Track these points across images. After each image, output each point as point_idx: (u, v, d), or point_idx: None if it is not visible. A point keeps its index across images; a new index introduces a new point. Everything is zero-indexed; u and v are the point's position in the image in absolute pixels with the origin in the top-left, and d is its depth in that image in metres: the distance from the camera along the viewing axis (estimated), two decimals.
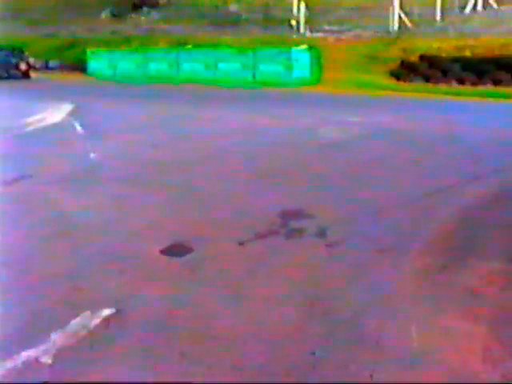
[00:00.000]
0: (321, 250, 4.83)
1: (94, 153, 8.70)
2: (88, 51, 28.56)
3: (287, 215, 5.69)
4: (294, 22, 28.33)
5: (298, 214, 5.72)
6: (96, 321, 3.66)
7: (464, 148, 9.04)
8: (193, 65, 25.12)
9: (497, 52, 20.53)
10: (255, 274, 4.42)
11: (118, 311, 3.79)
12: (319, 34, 27.38)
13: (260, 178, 7.31)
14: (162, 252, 4.90)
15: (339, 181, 7.16)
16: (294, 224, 5.45)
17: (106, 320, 3.66)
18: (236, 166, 8.12)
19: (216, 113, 13.88)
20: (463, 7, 26.50)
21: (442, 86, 20.08)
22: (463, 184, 6.73)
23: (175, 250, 5.00)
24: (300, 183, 6.99)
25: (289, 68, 23.17)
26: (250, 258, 4.76)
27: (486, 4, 26.78)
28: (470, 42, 21.74)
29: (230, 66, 24.29)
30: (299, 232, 5.25)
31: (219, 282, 4.27)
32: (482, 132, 10.75)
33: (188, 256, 4.82)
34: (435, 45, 22.31)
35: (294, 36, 27.41)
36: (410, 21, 25.84)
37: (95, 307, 3.79)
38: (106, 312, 3.76)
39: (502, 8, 26.59)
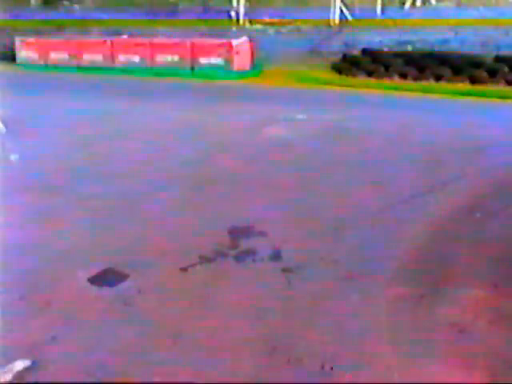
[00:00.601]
0: (277, 277, 4.16)
1: (14, 155, 7.71)
2: (17, 39, 26.81)
3: (236, 233, 4.99)
4: (233, 14, 27.54)
5: (248, 231, 5.02)
6: (6, 377, 2.89)
7: (419, 148, 8.54)
8: (128, 55, 23.95)
9: (437, 47, 20.42)
10: (200, 308, 3.70)
11: (33, 363, 3.01)
12: (259, 27, 26.69)
13: (202, 187, 6.54)
14: (91, 280, 4.12)
15: (291, 190, 6.48)
16: (244, 244, 4.75)
17: (20, 376, 2.89)
18: (174, 173, 7.27)
19: (152, 108, 12.85)
20: (403, 3, 26.37)
21: (385, 81, 19.79)
22: (425, 193, 6.20)
23: (106, 278, 4.22)
24: (248, 193, 6.27)
25: (229, 60, 22.39)
26: (194, 287, 4.03)
27: (425, 0, 26.76)
28: (411, 37, 21.56)
29: (167, 57, 23.27)
30: (251, 254, 4.55)
31: (158, 320, 3.53)
32: (432, 131, 10.37)
33: (121, 285, 4.05)
34: (377, 39, 22.02)
35: (234, 28, 26.64)
36: (351, 15, 25.49)
37: (6, 359, 3.00)
38: (19, 365, 2.98)
39: (441, 5, 26.64)
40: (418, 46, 20.85)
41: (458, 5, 25.78)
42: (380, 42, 21.75)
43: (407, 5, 26.70)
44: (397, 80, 20.06)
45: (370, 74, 20.53)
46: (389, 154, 8.29)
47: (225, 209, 5.68)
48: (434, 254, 4.59)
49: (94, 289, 4.02)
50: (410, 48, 20.90)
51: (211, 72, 21.43)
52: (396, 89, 17.92)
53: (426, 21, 23.36)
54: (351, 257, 4.49)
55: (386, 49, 21.12)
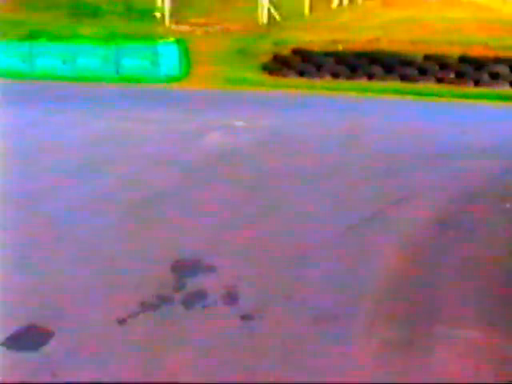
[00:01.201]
0: (235, 325, 3.44)
1: None
2: None
3: (181, 269, 4.22)
4: (158, 14, 26.55)
5: (195, 267, 4.25)
6: None
7: (372, 155, 8.01)
8: (48, 60, 22.55)
9: (367, 46, 20.22)
10: (145, 374, 2.96)
11: None
12: (185, 27, 25.84)
13: (134, 211, 5.65)
14: (6, 344, 3.29)
15: (237, 211, 5.65)
16: (192, 283, 4.00)
17: None
18: (101, 192, 6.30)
19: (73, 117, 11.67)
20: (330, 2, 26.20)
21: (317, 81, 19.42)
22: (391, 208, 5.61)
23: (27, 337, 3.40)
24: (188, 217, 5.44)
25: (155, 63, 21.46)
26: (134, 345, 3.27)
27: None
28: (341, 36, 21.29)
29: (90, 60, 22.04)
30: (201, 296, 3.81)
31: None
32: (383, 137, 9.97)
33: (45, 348, 3.25)
34: (307, 38, 21.61)
35: (159, 29, 25.66)
36: (279, 13, 25.07)
37: None
38: None
39: (367, 4, 26.67)
40: (349, 45, 20.57)
41: (385, 4, 25.84)
42: (310, 41, 21.35)
43: (334, 4, 26.57)
44: (329, 80, 19.76)
45: (301, 74, 20.13)
46: (341, 163, 7.67)
47: (164, 238, 4.86)
48: (414, 285, 4.00)
49: (10, 354, 3.20)
50: (340, 47, 20.58)
51: (138, 75, 20.47)
52: (329, 89, 17.57)
53: (354, 20, 23.23)
54: (320, 295, 3.82)
55: (316, 48, 20.72)
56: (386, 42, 20.41)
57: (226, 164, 7.56)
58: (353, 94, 16.98)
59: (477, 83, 18.20)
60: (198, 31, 25.15)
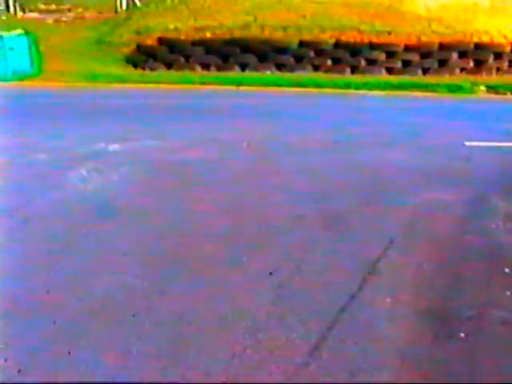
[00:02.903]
0: None
1: None
2: None
3: None
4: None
5: None
6: None
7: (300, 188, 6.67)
8: None
9: (237, 33, 18.88)
10: None
11: None
12: (34, 15, 23.09)
13: None
14: None
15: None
16: None
17: None
18: None
19: None
20: None
21: (187, 73, 17.84)
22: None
23: None
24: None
25: (1, 58, 18.68)
26: None
27: None
28: (209, 22, 19.76)
29: None
30: None
31: None
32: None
33: None
34: (171, 25, 19.85)
35: (3, 17, 22.68)
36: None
37: None
38: None
39: None
40: (218, 32, 19.09)
41: None
42: (176, 28, 19.61)
43: None
44: (199, 71, 18.26)
45: (169, 65, 18.44)
46: (270, 207, 5.94)
47: None
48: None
49: None
50: (208, 35, 19.03)
51: None
52: (202, 82, 16.06)
53: (222, 4, 21.79)
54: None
55: (182, 36, 19.03)
56: (256, 27, 19.17)
57: (103, 221, 5.38)
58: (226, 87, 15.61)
59: (354, 69, 17.58)
60: (49, 20, 22.55)
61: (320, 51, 17.73)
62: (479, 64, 17.54)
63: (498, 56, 17.55)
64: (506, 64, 17.68)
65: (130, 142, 8.53)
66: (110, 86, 15.45)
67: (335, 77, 16.67)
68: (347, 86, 14.89)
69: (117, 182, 6.50)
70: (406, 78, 16.21)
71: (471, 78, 16.81)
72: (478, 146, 8.94)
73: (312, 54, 17.73)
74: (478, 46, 17.48)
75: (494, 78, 16.96)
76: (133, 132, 9.37)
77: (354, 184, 6.78)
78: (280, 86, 15.21)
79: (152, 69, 18.17)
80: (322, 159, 7.88)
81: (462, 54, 17.51)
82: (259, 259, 4.55)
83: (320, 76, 17.03)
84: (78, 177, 6.67)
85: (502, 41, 17.74)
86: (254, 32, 18.86)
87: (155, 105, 12.61)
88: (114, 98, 13.21)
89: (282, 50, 17.87)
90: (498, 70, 17.65)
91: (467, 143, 9.06)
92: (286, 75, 17.17)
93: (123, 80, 15.92)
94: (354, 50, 17.57)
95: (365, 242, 4.95)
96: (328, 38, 18.06)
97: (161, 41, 18.69)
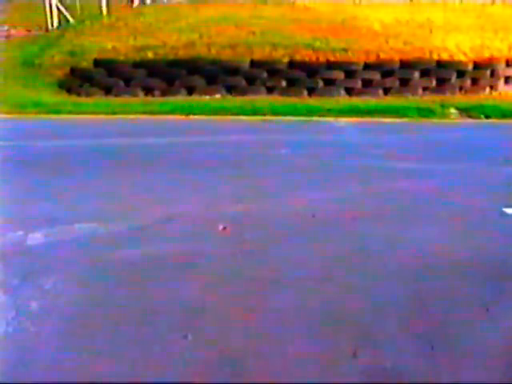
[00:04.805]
0: None
1: None
2: None
3: None
4: None
5: None
6: None
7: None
8: None
9: (182, 53, 17.25)
10: None
11: None
12: None
13: None
14: None
15: None
16: None
17: None
18: None
19: None
20: (131, 0, 22.86)
21: (128, 99, 16.05)
22: None
23: None
24: None
25: None
26: None
27: None
28: (150, 41, 18.07)
29: None
30: None
31: None
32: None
33: None
34: (109, 45, 18.04)
35: None
36: (72, 15, 21.13)
37: None
38: None
39: (173, 1, 23.83)
40: (161, 51, 17.42)
41: (193, 3, 23.12)
42: (114, 48, 17.80)
43: (136, 3, 23.27)
44: (142, 96, 16.52)
45: (107, 90, 16.61)
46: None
47: None
48: None
49: None
50: (150, 55, 17.32)
51: None
52: (149, 112, 14.23)
53: (163, 21, 20.17)
54: None
55: (121, 57, 17.23)
56: (202, 46, 17.61)
57: None
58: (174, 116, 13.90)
59: (311, 91, 16.22)
60: None
61: (273, 71, 16.30)
62: (442, 83, 16.52)
63: (461, 74, 16.59)
64: (468, 82, 16.74)
65: (58, 227, 5.74)
66: (41, 117, 13.47)
67: (293, 100, 15.24)
68: (309, 112, 13.37)
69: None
70: (371, 102, 14.92)
71: (436, 98, 15.74)
72: None
73: (265, 74, 16.28)
74: (440, 64, 16.46)
75: (460, 98, 15.95)
76: (62, 206, 6.49)
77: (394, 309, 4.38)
78: (236, 114, 13.57)
79: (88, 94, 16.29)
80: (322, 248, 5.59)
81: (424, 73, 16.45)
82: None
83: (276, 99, 15.58)
84: None
85: (463, 58, 16.80)
86: (200, 51, 17.30)
87: (90, 148, 10.00)
88: (41, 138, 11.08)
89: (232, 70, 16.35)
90: (461, 88, 16.68)
91: (507, 210, 6.53)
92: (239, 99, 15.63)
93: (55, 111, 13.94)
94: (311, 69, 16.23)
95: None
96: (281, 56, 16.67)
97: (97, 62, 16.84)
